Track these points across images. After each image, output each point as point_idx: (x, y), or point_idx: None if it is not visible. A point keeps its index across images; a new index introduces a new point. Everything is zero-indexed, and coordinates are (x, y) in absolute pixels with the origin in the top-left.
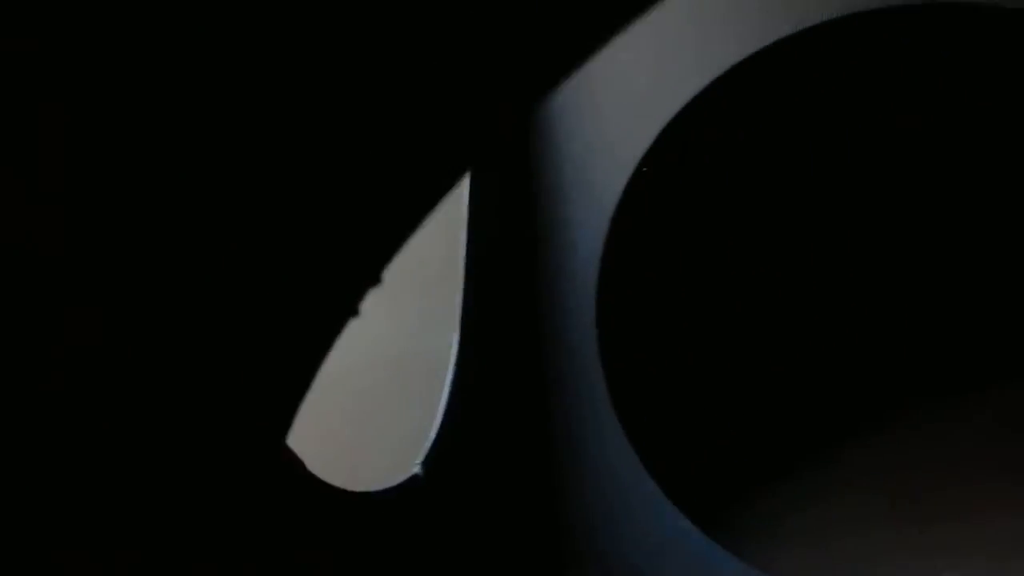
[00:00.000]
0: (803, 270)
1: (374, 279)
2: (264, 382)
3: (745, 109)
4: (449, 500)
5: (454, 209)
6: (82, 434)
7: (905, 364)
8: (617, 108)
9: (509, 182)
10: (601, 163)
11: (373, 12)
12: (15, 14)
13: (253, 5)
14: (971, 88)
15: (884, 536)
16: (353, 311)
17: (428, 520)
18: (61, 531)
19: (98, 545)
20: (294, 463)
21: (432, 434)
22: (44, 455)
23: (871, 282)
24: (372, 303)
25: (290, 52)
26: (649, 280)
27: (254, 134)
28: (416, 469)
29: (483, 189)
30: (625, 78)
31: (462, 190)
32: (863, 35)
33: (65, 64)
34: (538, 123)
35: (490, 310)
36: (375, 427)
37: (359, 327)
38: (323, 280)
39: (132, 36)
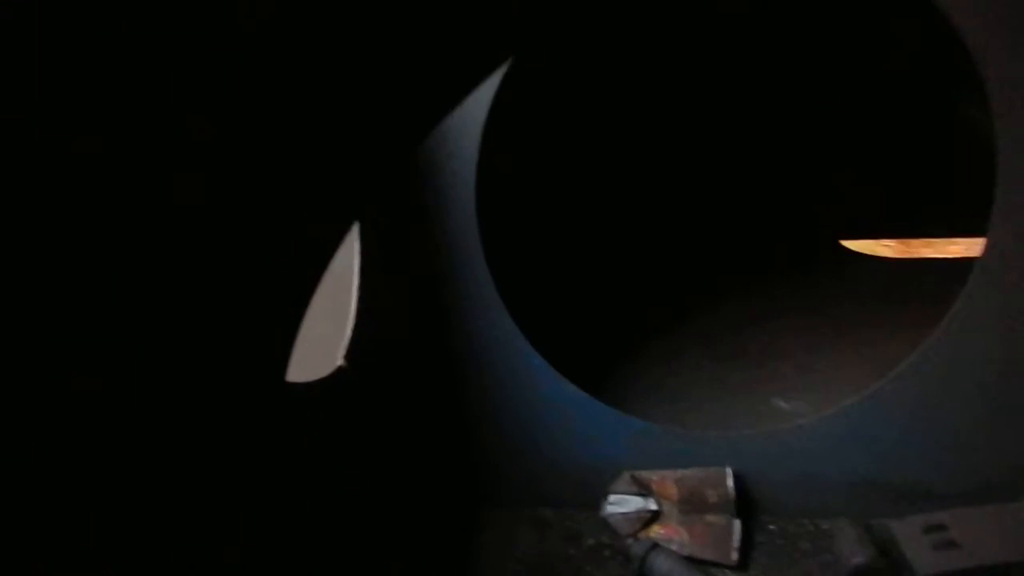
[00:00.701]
0: (658, 159)
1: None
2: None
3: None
4: (367, 383)
5: None
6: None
7: (740, 243)
8: None
9: None
10: None
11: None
12: None
13: None
14: None
15: (731, 377)
16: None
17: (353, 399)
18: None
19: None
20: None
21: (348, 332)
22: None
23: (712, 175)
24: None
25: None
26: (522, 177)
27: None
28: (340, 363)
29: None
30: None
31: None
32: None
33: None
34: None
35: (383, 224)
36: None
37: None
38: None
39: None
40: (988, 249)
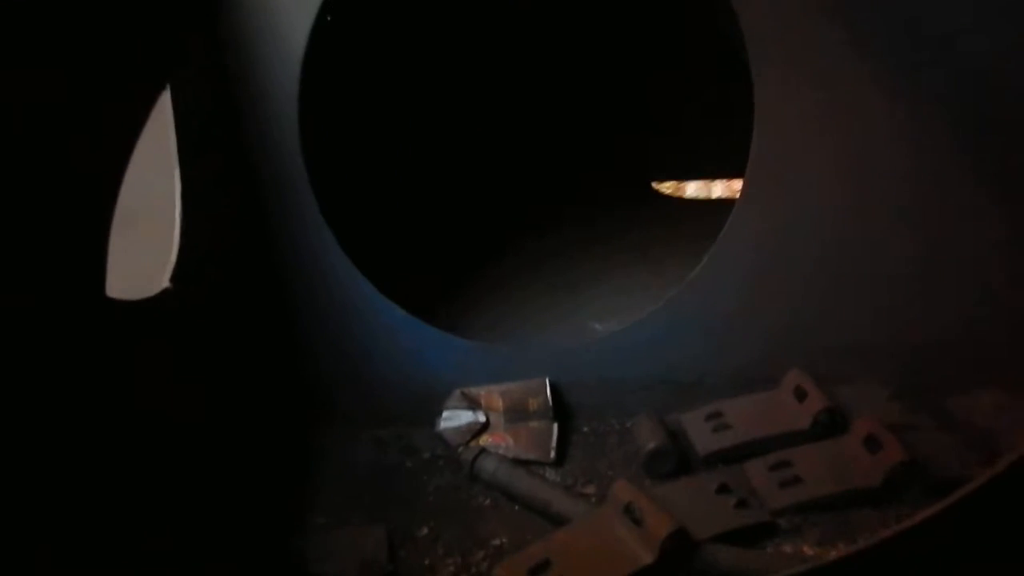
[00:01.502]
0: (481, 95)
1: None
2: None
3: None
4: (193, 305)
5: None
6: None
7: (560, 179)
8: None
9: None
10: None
11: None
12: None
13: None
14: None
15: (550, 300)
16: None
17: (180, 319)
18: None
19: None
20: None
21: (173, 256)
22: None
23: (534, 115)
24: None
25: None
26: (346, 108)
27: None
28: (167, 284)
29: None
30: None
31: None
32: None
33: None
34: None
35: (203, 151)
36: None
37: None
38: None
39: None
40: (747, 178)
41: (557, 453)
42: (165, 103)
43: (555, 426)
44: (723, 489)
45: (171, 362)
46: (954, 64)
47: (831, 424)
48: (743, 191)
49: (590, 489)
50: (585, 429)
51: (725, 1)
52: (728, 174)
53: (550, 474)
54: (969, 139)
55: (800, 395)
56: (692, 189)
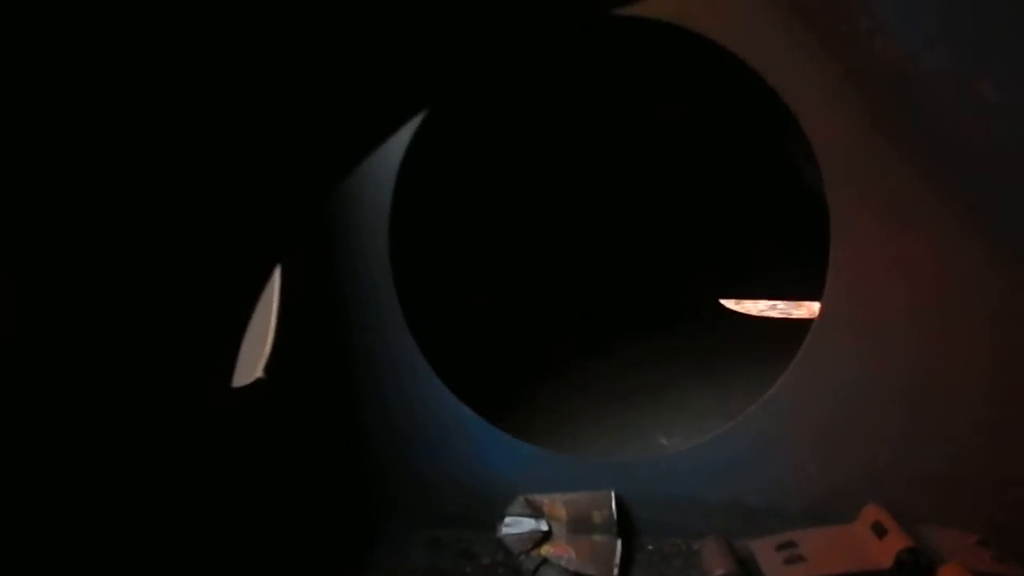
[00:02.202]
0: (564, 213)
1: None
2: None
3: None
4: (281, 396)
5: None
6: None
7: (632, 296)
8: None
9: None
10: None
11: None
12: None
13: None
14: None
15: (618, 412)
16: None
17: (267, 409)
18: None
19: None
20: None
21: (267, 348)
22: None
23: (611, 235)
24: None
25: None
26: (434, 213)
27: None
28: (260, 374)
29: None
30: None
31: None
32: None
33: None
34: None
35: (300, 254)
36: None
37: None
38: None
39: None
40: (823, 307)
41: (620, 571)
42: None
43: (619, 542)
44: None
45: (253, 450)
46: None
47: (914, 565)
48: (820, 315)
49: None
50: (650, 547)
51: (799, 131)
52: (799, 296)
53: None
54: None
55: (879, 531)
56: (762, 308)
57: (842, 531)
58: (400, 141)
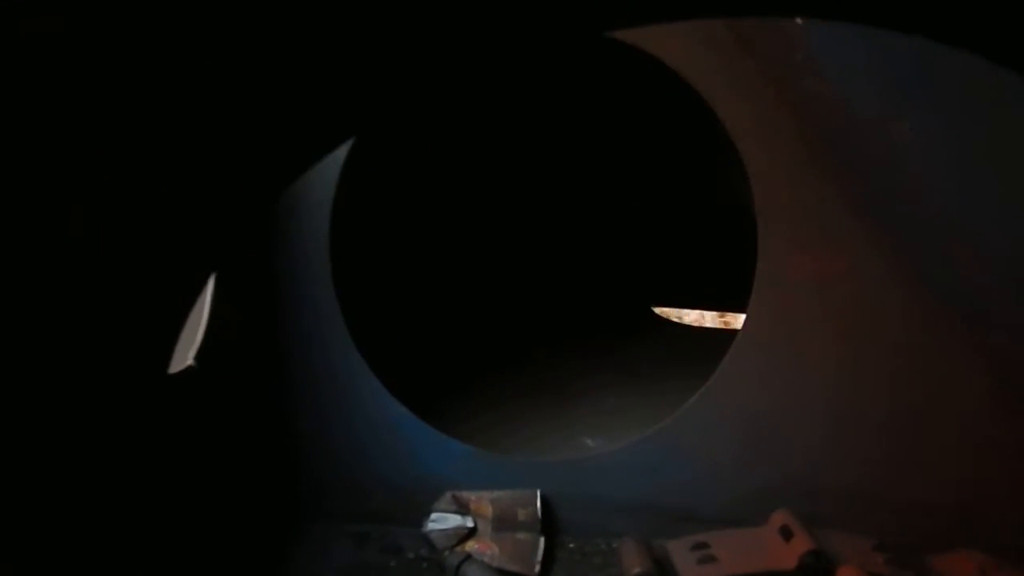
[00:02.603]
0: (497, 222)
1: None
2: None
3: None
4: (212, 384)
5: None
6: None
7: (565, 303)
8: None
9: None
10: None
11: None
12: None
13: None
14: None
15: (546, 414)
16: None
17: (199, 395)
18: None
19: None
20: None
21: (199, 336)
22: None
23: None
24: None
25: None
26: (373, 215)
27: None
28: (191, 362)
29: None
30: None
31: None
32: None
33: None
34: None
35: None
36: None
37: None
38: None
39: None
40: (747, 322)
41: (541, 568)
42: None
43: (542, 540)
44: None
45: (180, 439)
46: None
47: (816, 567)
48: (742, 332)
49: None
50: (571, 545)
51: (734, 151)
52: (729, 307)
53: None
54: (957, 309)
55: (787, 534)
56: (692, 317)
57: (752, 534)
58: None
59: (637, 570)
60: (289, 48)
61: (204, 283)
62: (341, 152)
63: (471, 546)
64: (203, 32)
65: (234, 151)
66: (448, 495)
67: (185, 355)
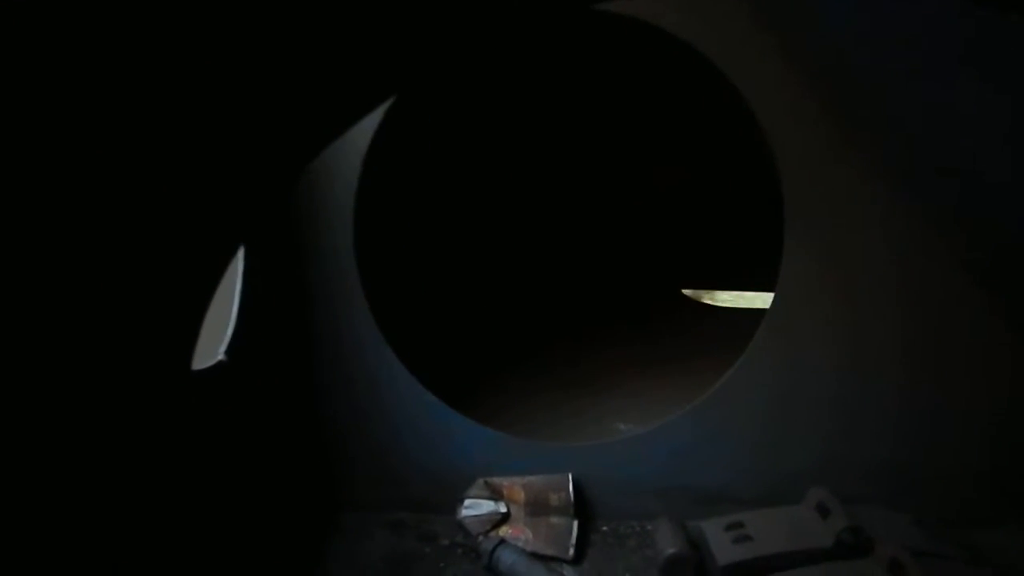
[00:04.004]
0: (527, 213)
1: None
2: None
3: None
4: (244, 377)
5: None
6: None
7: (593, 289)
8: None
9: None
10: None
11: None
12: None
13: None
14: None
15: (576, 399)
16: None
17: (232, 389)
18: None
19: None
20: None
21: (229, 332)
22: None
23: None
24: None
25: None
26: (400, 207)
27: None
28: (221, 356)
29: None
30: None
31: None
32: None
33: None
34: None
35: (265, 239)
36: None
37: None
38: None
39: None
40: (774, 303)
41: (576, 551)
42: None
43: (575, 523)
44: None
45: (217, 433)
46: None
47: (855, 544)
48: (770, 311)
49: None
50: (605, 528)
51: (759, 129)
52: (757, 287)
53: (567, 571)
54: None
55: (823, 512)
56: (723, 299)
57: (788, 512)
58: (367, 129)
59: (672, 551)
60: (305, 24)
61: (227, 265)
62: (362, 147)
63: (505, 531)
64: (224, 9)
65: (255, 121)
66: (481, 481)
67: (215, 350)
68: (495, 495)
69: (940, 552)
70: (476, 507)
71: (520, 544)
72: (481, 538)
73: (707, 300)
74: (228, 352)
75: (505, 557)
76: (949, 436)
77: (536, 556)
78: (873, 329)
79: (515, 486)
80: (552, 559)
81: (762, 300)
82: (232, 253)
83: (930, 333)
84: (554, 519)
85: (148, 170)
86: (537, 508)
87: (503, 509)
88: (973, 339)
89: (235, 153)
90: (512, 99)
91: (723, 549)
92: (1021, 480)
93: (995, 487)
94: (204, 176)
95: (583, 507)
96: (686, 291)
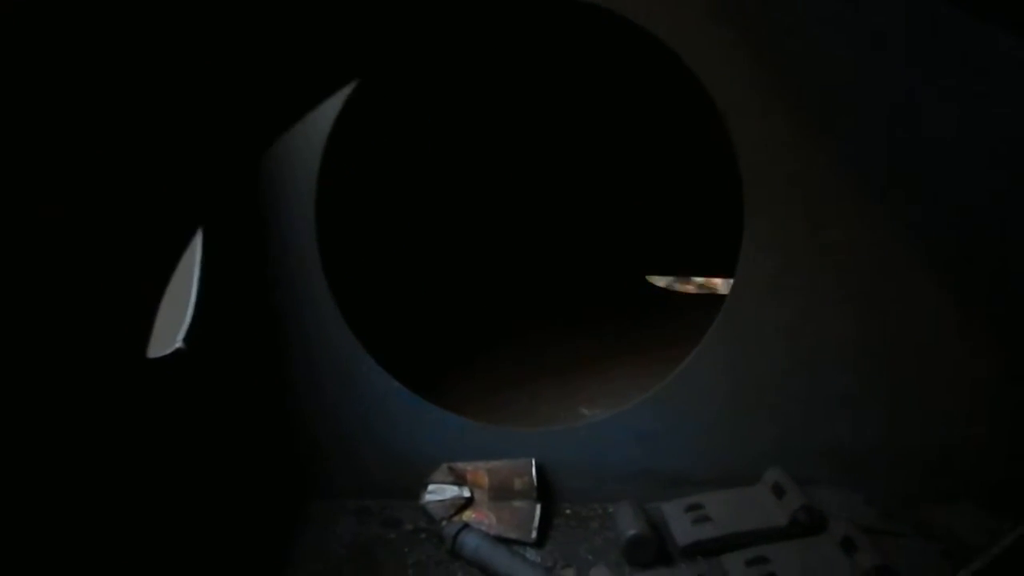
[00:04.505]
0: (490, 195)
1: None
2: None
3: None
4: (204, 365)
5: None
6: None
7: (559, 275)
8: None
9: None
10: None
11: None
12: None
13: None
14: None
15: (541, 385)
16: None
17: (191, 377)
18: None
19: None
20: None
21: (187, 319)
22: None
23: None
24: None
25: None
26: (362, 191)
27: None
28: (179, 344)
29: None
30: None
31: None
32: None
33: None
34: None
35: (226, 224)
36: None
37: None
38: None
39: None
40: (731, 294)
41: (539, 533)
42: None
43: (538, 507)
44: None
45: (175, 422)
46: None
47: (809, 523)
48: (729, 297)
49: (569, 572)
50: (568, 511)
51: (719, 116)
52: (717, 273)
53: (531, 554)
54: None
55: (779, 492)
56: (687, 288)
57: (745, 493)
58: (328, 114)
59: (633, 532)
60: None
61: (184, 247)
62: (326, 129)
63: (468, 515)
64: None
65: (215, 101)
66: (444, 467)
67: (173, 337)
68: (459, 480)
69: (892, 529)
70: (440, 492)
71: (484, 528)
72: (445, 523)
73: (671, 288)
74: (187, 340)
75: (468, 541)
76: (901, 420)
77: (500, 539)
78: (828, 321)
79: (479, 471)
80: (516, 542)
81: (724, 288)
82: (189, 237)
83: (887, 325)
84: (517, 503)
85: (101, 150)
86: (501, 492)
87: (467, 494)
88: (928, 328)
89: (192, 133)
90: (476, 85)
91: (683, 530)
92: (971, 459)
93: (945, 467)
94: (160, 157)
95: (546, 491)
96: (651, 280)
